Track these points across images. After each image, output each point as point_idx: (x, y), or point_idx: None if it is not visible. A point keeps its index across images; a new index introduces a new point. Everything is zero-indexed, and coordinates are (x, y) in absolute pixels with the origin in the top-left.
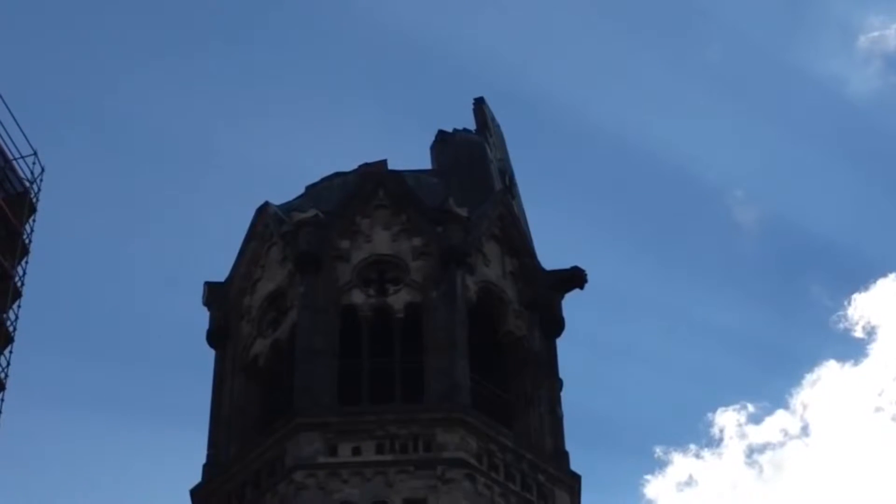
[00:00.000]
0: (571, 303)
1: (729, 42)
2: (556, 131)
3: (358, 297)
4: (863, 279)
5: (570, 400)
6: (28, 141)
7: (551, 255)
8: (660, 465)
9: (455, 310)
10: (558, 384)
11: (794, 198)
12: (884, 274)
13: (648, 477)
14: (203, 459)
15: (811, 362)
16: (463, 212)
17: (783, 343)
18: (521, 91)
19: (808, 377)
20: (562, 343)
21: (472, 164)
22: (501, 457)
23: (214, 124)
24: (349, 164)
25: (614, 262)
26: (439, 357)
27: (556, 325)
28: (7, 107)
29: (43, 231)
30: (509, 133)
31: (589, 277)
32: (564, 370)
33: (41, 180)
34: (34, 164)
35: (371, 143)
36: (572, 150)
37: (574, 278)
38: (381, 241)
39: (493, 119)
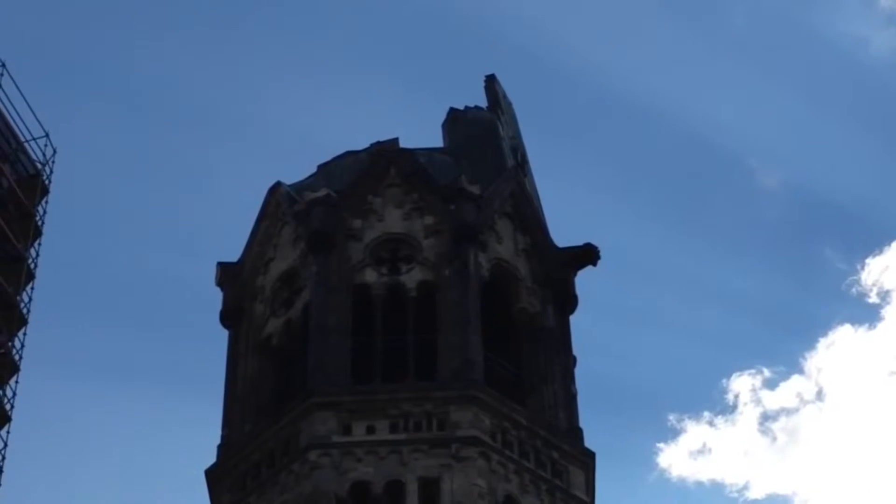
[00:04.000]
0: (585, 270)
1: (749, 4)
2: (572, 99)
3: (371, 275)
4: (877, 243)
5: (584, 367)
6: (40, 123)
7: (568, 221)
8: (673, 434)
9: (468, 287)
10: (572, 361)
11: (812, 162)
12: None
13: (661, 445)
14: (218, 432)
15: (826, 326)
16: (475, 189)
17: (798, 307)
18: (535, 59)
19: (823, 341)
20: (576, 311)
21: (483, 141)
22: (515, 434)
23: (226, 104)
24: (361, 143)
25: (629, 229)
26: (452, 335)
27: (569, 301)
28: (19, 89)
29: (56, 213)
30: (523, 102)
31: (604, 244)
32: (578, 337)
33: (53, 162)
34: (46, 145)
35: (383, 121)
36: (589, 117)
37: (587, 255)
38: (393, 220)
39: (505, 96)
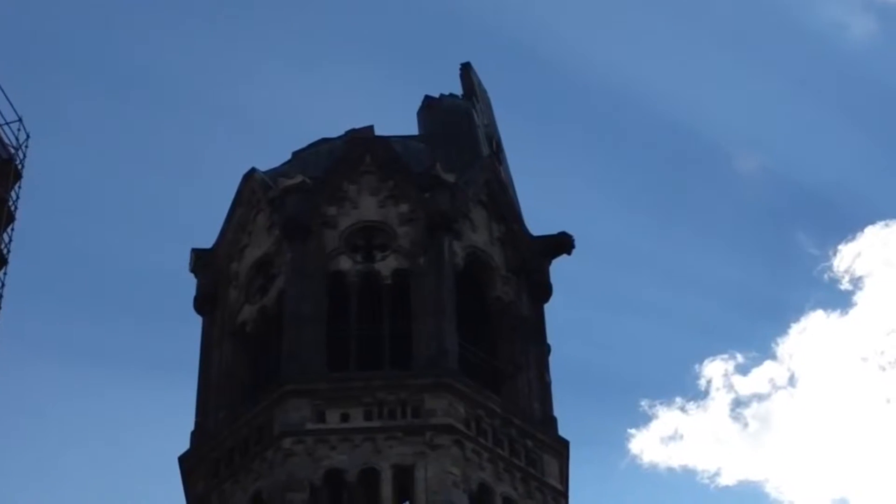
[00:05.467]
0: (559, 257)
1: None
2: (548, 86)
3: (345, 263)
4: (850, 229)
5: (556, 353)
6: (13, 106)
7: (542, 208)
8: (644, 420)
9: (442, 276)
10: (546, 349)
11: (790, 148)
12: (872, 222)
13: (633, 431)
14: (192, 419)
15: (798, 312)
16: (450, 177)
17: (771, 293)
18: (511, 47)
19: (795, 327)
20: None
21: (459, 129)
22: (489, 422)
23: (201, 91)
24: (336, 130)
25: (604, 215)
26: (427, 323)
27: (543, 290)
28: None
29: (29, 198)
30: (498, 90)
31: (578, 230)
32: (551, 322)
33: (27, 146)
34: (19, 130)
35: (358, 108)
36: (565, 104)
37: (561, 244)
38: (368, 208)
39: (480, 84)
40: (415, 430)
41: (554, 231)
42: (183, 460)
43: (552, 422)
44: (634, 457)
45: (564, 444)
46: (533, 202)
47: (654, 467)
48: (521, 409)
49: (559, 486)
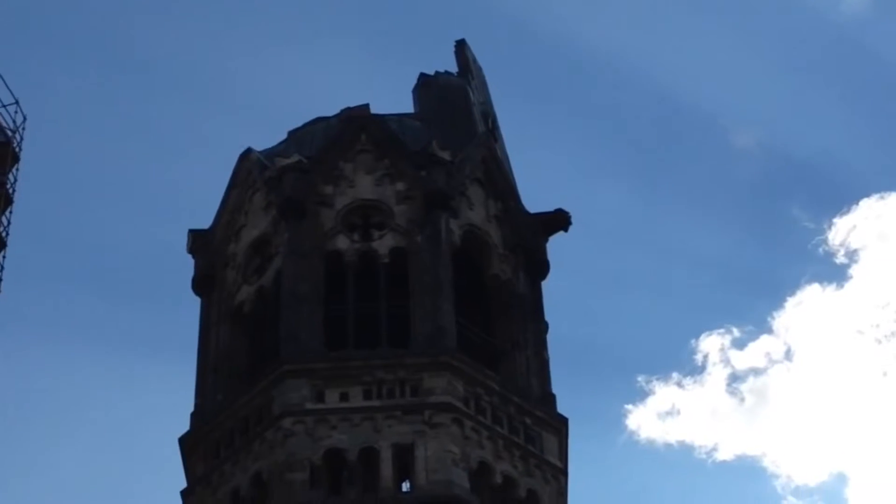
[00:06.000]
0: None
1: None
2: (542, 62)
3: (343, 242)
4: (845, 202)
5: (552, 330)
6: (9, 89)
7: (539, 185)
8: (641, 395)
9: (440, 253)
10: (544, 327)
11: (785, 121)
12: (867, 195)
13: (630, 407)
14: (192, 400)
15: (794, 286)
16: (446, 155)
17: (766, 267)
18: (504, 23)
19: (791, 301)
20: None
21: (454, 107)
22: (488, 400)
23: (197, 70)
24: (332, 109)
25: (600, 191)
26: (425, 301)
27: (541, 267)
28: None
29: (27, 180)
30: (492, 66)
31: (574, 207)
32: (547, 299)
33: (24, 129)
34: (16, 112)
35: (353, 87)
36: (560, 80)
37: (558, 221)
38: (364, 186)
39: (475, 61)
40: (414, 409)
41: (550, 208)
42: (183, 441)
43: (551, 399)
44: (632, 433)
45: (563, 422)
46: (529, 179)
47: (651, 443)
48: (520, 386)
49: (558, 464)
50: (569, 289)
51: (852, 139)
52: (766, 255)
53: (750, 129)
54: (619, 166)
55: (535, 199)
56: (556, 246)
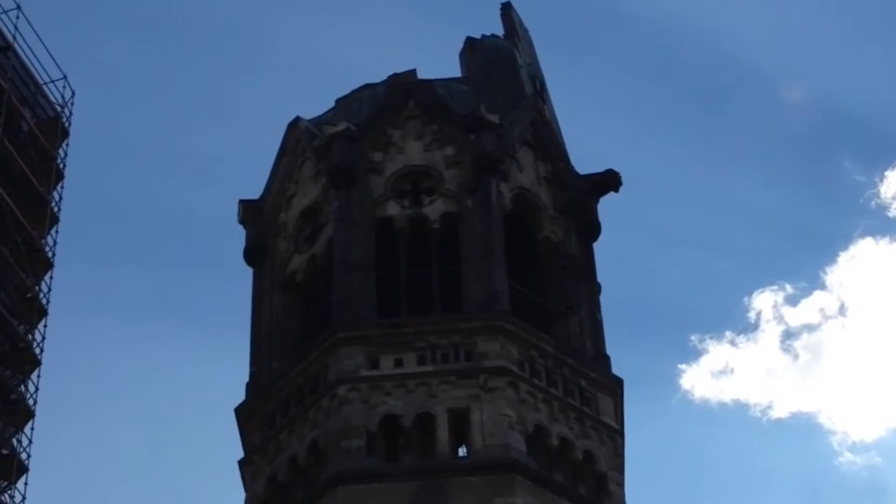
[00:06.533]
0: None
1: None
2: (588, 20)
3: (393, 208)
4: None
5: (604, 291)
6: (57, 64)
7: (588, 146)
8: (695, 355)
9: (491, 217)
10: (597, 288)
11: (836, 74)
12: None
13: (683, 367)
14: (246, 370)
15: (846, 240)
16: (494, 119)
17: (818, 221)
18: None
19: (844, 255)
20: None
21: (501, 70)
22: (543, 363)
23: (244, 38)
24: (379, 76)
25: (650, 148)
26: (477, 265)
27: (592, 229)
28: (35, 31)
29: (77, 155)
30: (539, 27)
31: (625, 165)
32: (599, 259)
33: (72, 104)
34: (64, 87)
35: (400, 53)
36: (606, 38)
37: (609, 181)
38: (413, 152)
39: (521, 23)
40: (469, 374)
41: (600, 169)
42: (239, 411)
43: (605, 360)
44: (686, 392)
45: (618, 382)
46: (578, 140)
47: (705, 402)
48: (574, 348)
49: (614, 425)
50: (620, 248)
51: None
52: (818, 210)
53: (800, 83)
54: (669, 124)
55: (585, 159)
56: (607, 206)
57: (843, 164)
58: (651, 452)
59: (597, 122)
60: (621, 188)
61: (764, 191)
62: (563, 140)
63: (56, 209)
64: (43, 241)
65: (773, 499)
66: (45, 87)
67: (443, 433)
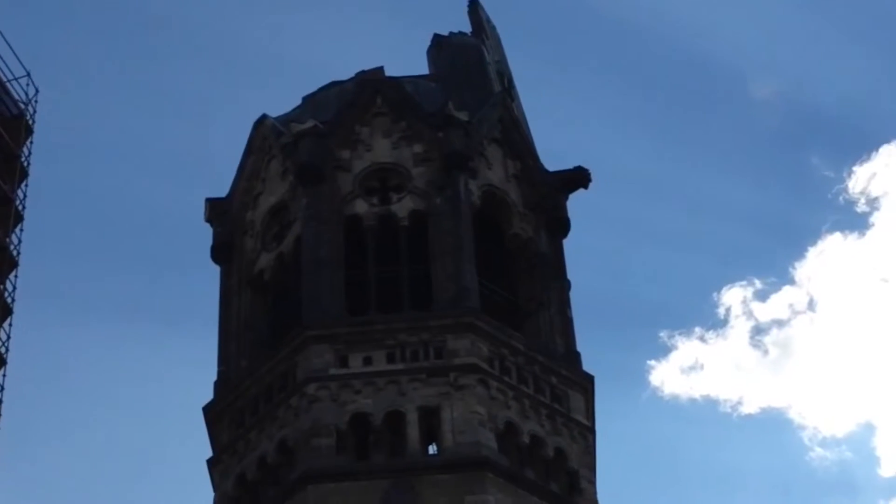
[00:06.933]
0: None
1: None
2: (558, 16)
3: (361, 206)
4: (865, 149)
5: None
6: (20, 62)
7: (557, 140)
8: (664, 351)
9: (460, 214)
10: (566, 285)
11: (805, 71)
12: (886, 141)
13: (653, 363)
14: (214, 369)
15: (815, 235)
16: (463, 116)
17: (787, 217)
18: None
19: (813, 250)
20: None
21: (469, 67)
22: (513, 360)
23: (209, 36)
24: (346, 73)
25: (619, 143)
26: (446, 263)
27: (562, 225)
28: None
29: (41, 153)
30: (506, 22)
31: (593, 160)
32: (569, 256)
33: (36, 101)
34: (28, 85)
35: (367, 50)
36: (575, 33)
37: (578, 178)
38: (381, 150)
39: (489, 20)
40: (439, 371)
41: (569, 166)
42: (207, 410)
43: (576, 357)
44: (655, 389)
45: (589, 379)
46: (547, 137)
47: (675, 398)
48: (545, 345)
49: (586, 422)
50: (589, 245)
51: (870, 87)
52: (787, 206)
53: (769, 80)
54: (638, 120)
55: (554, 157)
56: (576, 202)
57: (811, 159)
58: (621, 449)
59: (566, 119)
60: (593, 185)
61: (733, 186)
62: (531, 137)
63: (21, 207)
64: (7, 240)
65: (745, 494)
66: (8, 84)
67: (413, 431)
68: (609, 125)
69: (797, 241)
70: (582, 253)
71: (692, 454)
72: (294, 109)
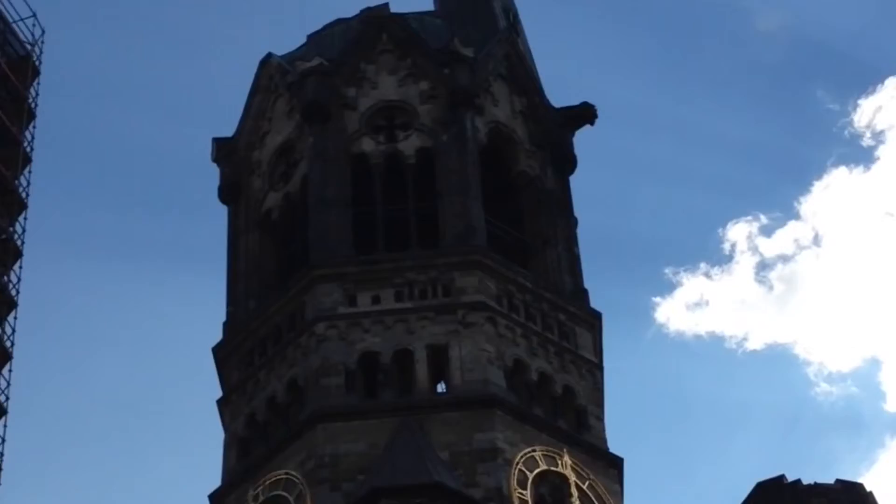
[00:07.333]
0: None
1: None
2: None
3: (368, 144)
4: (870, 82)
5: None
6: (27, 3)
7: (562, 78)
8: (669, 287)
9: (466, 152)
10: (573, 222)
11: (805, 3)
12: (892, 73)
13: (658, 299)
14: (223, 309)
15: (820, 169)
16: (468, 52)
17: (792, 151)
18: None
19: (818, 185)
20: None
21: (475, 3)
22: (521, 298)
23: None
24: (351, 10)
25: (625, 80)
26: (453, 201)
27: (568, 162)
28: None
29: (48, 94)
30: None
31: (598, 97)
32: (576, 192)
33: (42, 42)
34: (34, 25)
35: None
36: None
37: (584, 114)
38: (387, 87)
39: None
40: (447, 309)
41: (575, 102)
42: (217, 351)
43: (583, 294)
44: (661, 326)
45: (597, 316)
46: (552, 74)
47: (680, 335)
48: (552, 282)
49: (593, 359)
50: (593, 182)
51: (876, 19)
52: (792, 140)
53: (774, 13)
54: (643, 55)
55: (560, 93)
56: (582, 138)
57: (816, 93)
58: (627, 387)
59: (571, 55)
60: (598, 122)
61: (738, 121)
62: (537, 73)
63: (28, 149)
64: (16, 182)
65: (750, 430)
66: (14, 25)
67: (422, 369)
68: (614, 61)
69: (802, 176)
70: (585, 190)
71: (698, 391)
72: (299, 48)
